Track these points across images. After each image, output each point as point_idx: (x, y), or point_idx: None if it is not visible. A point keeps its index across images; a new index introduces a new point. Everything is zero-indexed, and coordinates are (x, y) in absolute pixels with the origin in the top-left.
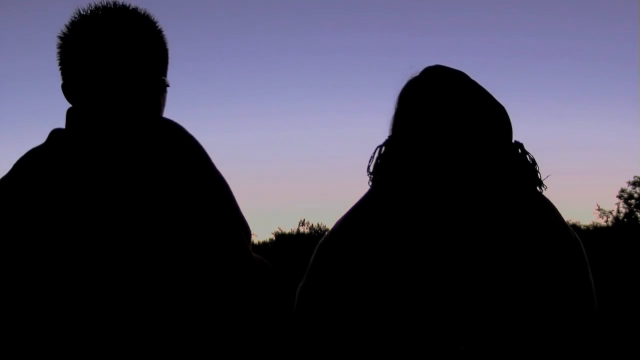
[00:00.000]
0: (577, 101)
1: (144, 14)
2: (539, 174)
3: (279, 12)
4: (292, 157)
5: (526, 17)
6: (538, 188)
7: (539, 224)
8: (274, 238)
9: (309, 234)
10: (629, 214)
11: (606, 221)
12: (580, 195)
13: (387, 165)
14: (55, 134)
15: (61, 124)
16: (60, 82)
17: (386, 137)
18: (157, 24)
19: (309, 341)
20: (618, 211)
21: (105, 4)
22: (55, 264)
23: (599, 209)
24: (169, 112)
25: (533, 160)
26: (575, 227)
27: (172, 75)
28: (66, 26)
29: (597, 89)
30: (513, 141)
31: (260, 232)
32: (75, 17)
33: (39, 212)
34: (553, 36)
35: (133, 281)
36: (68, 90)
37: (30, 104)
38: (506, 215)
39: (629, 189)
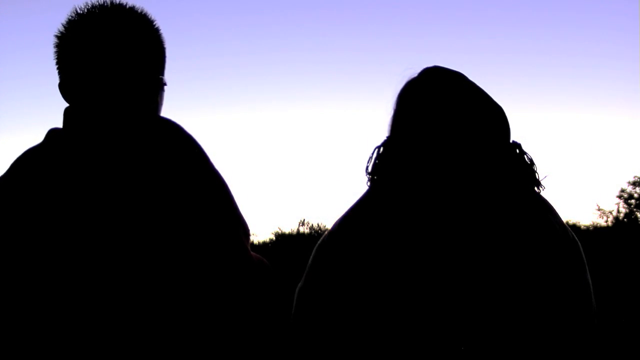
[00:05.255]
0: (577, 101)
1: (141, 12)
2: (537, 174)
3: (280, 12)
4: (292, 157)
5: (523, 15)
6: (536, 188)
7: (537, 225)
8: (273, 238)
9: (309, 234)
10: (629, 214)
11: (606, 221)
12: (580, 195)
13: (385, 166)
14: (52, 133)
15: (59, 123)
16: (58, 81)
17: (384, 138)
18: (154, 23)
19: (308, 342)
20: (618, 211)
21: (102, 2)
22: (52, 264)
23: (599, 209)
24: (167, 112)
25: (531, 160)
26: (575, 227)
27: (170, 74)
28: (63, 25)
29: (597, 88)
30: (511, 141)
31: (260, 232)
32: (72, 16)
33: (36, 212)
34: (551, 35)
35: (130, 281)
36: (65, 89)
37: (28, 103)
38: (504, 216)
39: (629, 189)
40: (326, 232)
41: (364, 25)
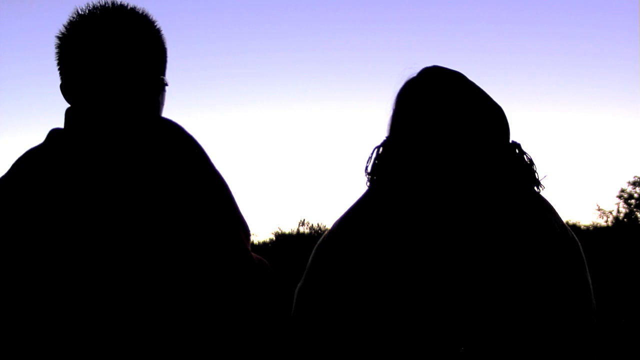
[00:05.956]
0: (577, 101)
1: (142, 13)
2: (536, 174)
3: (280, 11)
4: (293, 157)
5: (523, 15)
6: (536, 188)
7: (536, 224)
8: (274, 238)
9: (309, 234)
10: (629, 214)
11: (606, 221)
12: (580, 195)
13: (384, 166)
14: (53, 133)
15: (60, 124)
16: (59, 81)
17: (384, 138)
18: (155, 23)
19: (308, 342)
20: (618, 211)
21: (104, 3)
22: (53, 265)
23: (599, 209)
24: (168, 112)
25: (531, 160)
26: (575, 227)
27: (171, 75)
28: (64, 26)
29: (597, 88)
30: (510, 141)
31: (260, 232)
32: (73, 17)
33: (37, 212)
34: (551, 35)
35: (131, 282)
36: (66, 90)
37: (29, 103)
38: (503, 215)
39: (629, 189)
40: (326, 232)
41: (364, 25)
